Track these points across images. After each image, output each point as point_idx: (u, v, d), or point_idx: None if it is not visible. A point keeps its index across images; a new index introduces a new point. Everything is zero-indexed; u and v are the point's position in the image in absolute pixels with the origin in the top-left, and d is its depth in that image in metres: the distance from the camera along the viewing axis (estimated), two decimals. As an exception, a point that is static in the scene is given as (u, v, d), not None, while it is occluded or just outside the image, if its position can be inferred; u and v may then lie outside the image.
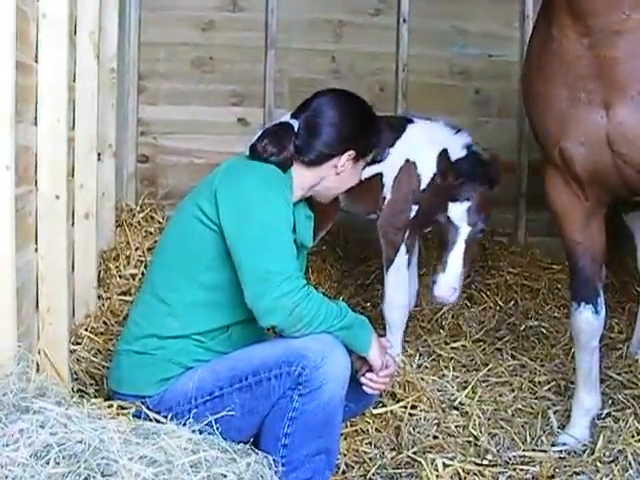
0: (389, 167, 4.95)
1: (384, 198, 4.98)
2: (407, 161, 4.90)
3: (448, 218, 4.38)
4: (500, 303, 6.10)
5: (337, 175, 3.63)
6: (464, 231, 4.36)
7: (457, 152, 4.72)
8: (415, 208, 4.88)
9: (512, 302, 6.19)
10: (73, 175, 4.64)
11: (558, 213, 4.20)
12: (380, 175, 4.97)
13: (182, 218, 3.57)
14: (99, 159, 5.17)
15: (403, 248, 4.88)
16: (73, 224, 4.65)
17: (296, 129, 3.63)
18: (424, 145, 4.91)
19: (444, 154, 4.63)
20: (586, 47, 3.75)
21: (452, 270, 4.31)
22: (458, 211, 4.36)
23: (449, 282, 4.30)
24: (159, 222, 6.15)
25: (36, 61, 3.65)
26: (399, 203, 4.91)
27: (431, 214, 4.88)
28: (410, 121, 5.05)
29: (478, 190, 4.41)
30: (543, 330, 5.81)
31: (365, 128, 3.66)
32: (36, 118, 3.66)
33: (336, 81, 6.63)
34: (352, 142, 3.60)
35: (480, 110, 7.15)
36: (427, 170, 4.88)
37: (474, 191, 4.38)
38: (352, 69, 6.98)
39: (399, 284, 4.97)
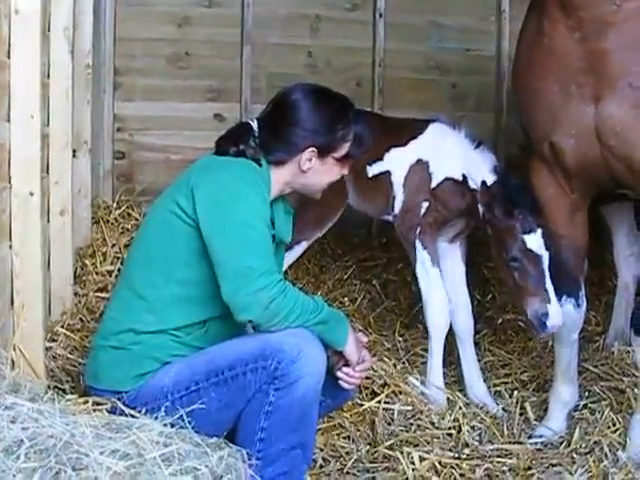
0: (398, 166, 4.90)
1: (394, 197, 4.92)
2: (419, 161, 4.85)
3: (530, 251, 4.25)
4: (478, 297, 6.10)
5: (304, 173, 3.61)
6: (546, 257, 4.25)
7: (483, 173, 4.57)
8: (425, 205, 4.81)
9: (489, 296, 6.20)
10: (48, 172, 4.62)
11: (543, 206, 4.22)
12: (388, 173, 4.93)
13: (159, 214, 3.57)
14: (75, 156, 5.15)
15: (419, 244, 4.81)
16: (48, 221, 4.63)
17: (255, 129, 3.64)
18: (440, 147, 4.83)
19: (485, 188, 4.49)
20: (577, 41, 3.78)
21: (554, 298, 4.20)
22: (536, 241, 4.24)
23: (558, 310, 4.19)
24: (136, 219, 6.13)
25: (9, 57, 3.63)
26: (410, 202, 4.86)
27: (448, 214, 4.82)
28: (433, 121, 4.96)
29: (538, 216, 4.30)
30: (520, 324, 5.82)
31: (327, 124, 3.59)
32: (9, 114, 3.64)
33: (313, 76, 6.62)
34: (313, 139, 3.57)
35: (457, 105, 7.13)
36: (440, 170, 4.79)
37: (537, 218, 4.27)
38: (329, 64, 6.95)
39: (430, 281, 4.80)
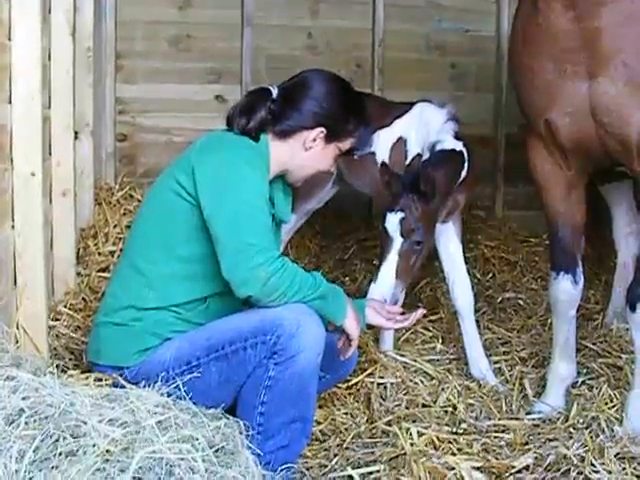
0: (382, 146, 4.93)
1: None
2: (399, 139, 4.89)
3: (384, 228, 4.20)
4: (478, 276, 6.14)
5: (306, 151, 3.65)
6: (397, 243, 4.16)
7: (426, 147, 4.61)
8: None
9: (490, 275, 6.24)
10: (50, 154, 4.66)
11: (540, 183, 4.24)
12: (373, 154, 4.93)
13: (160, 191, 3.61)
14: (77, 138, 5.18)
15: None
16: (51, 202, 4.67)
17: (274, 95, 3.68)
18: (415, 123, 4.86)
19: (384, 168, 4.41)
20: (572, 20, 3.80)
21: (381, 281, 4.10)
22: (392, 222, 4.17)
23: (378, 293, 4.07)
24: (138, 200, 6.13)
25: (9, 39, 3.66)
26: None
27: None
28: (415, 103, 4.99)
29: (415, 202, 4.18)
30: (520, 302, 5.88)
31: (343, 111, 3.66)
32: (10, 96, 3.67)
33: (313, 57, 6.65)
34: (325, 119, 3.62)
35: (457, 85, 7.15)
36: (413, 147, 4.82)
37: (410, 202, 4.17)
38: (329, 45, 6.95)
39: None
